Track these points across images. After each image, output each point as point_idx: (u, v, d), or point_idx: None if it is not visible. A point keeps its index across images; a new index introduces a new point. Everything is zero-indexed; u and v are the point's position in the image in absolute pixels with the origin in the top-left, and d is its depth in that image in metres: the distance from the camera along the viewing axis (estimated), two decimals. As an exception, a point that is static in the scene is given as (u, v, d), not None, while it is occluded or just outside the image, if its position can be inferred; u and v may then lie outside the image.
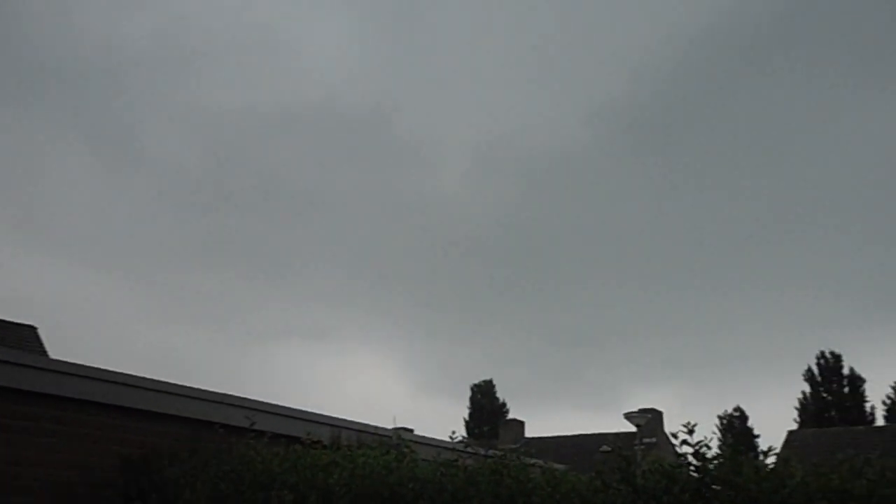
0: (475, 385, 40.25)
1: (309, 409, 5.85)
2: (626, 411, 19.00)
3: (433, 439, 6.42)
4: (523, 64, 41.15)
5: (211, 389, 5.21)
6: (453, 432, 5.18)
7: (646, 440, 18.95)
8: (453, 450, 5.00)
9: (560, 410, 49.41)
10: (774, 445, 4.76)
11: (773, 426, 50.22)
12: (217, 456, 4.56)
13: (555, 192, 43.25)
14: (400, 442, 5.41)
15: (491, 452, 4.84)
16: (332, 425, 5.78)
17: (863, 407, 34.87)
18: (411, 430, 10.05)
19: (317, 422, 5.70)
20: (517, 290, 46.15)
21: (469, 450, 5.09)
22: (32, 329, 17.28)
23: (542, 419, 59.16)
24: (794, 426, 33.76)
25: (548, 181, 42.53)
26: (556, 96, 41.90)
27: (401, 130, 41.80)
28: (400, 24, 39.75)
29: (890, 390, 36.04)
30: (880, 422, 33.80)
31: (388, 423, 7.10)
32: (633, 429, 18.60)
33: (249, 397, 5.49)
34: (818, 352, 36.64)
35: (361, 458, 4.74)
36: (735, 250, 44.63)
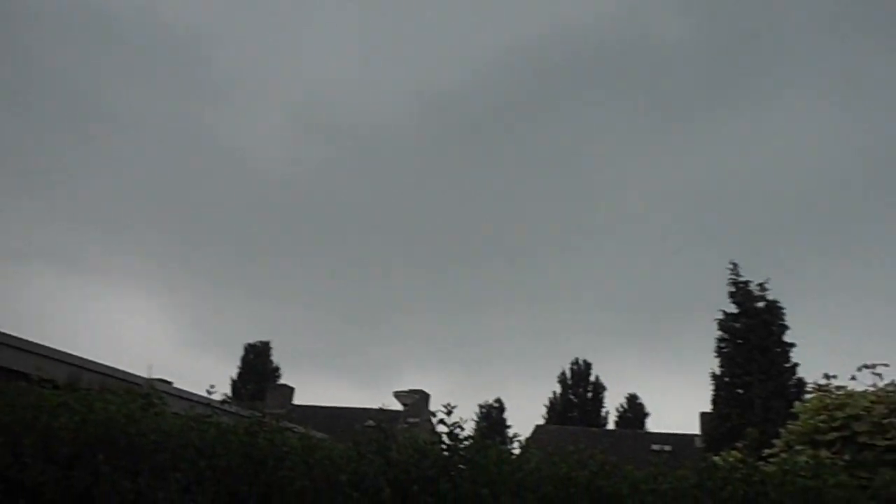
0: (249, 345, 38.55)
1: (44, 343, 5.13)
2: (396, 390, 19.58)
3: (190, 393, 6.02)
4: (365, 35, 40.29)
5: None
6: (212, 387, 4.87)
7: (410, 419, 19.72)
8: (209, 405, 4.71)
9: (335, 381, 49.51)
10: (522, 435, 5.15)
11: (525, 420, 55.11)
12: None
13: (365, 165, 42.56)
14: (150, 391, 4.99)
15: (249, 413, 4.63)
16: (71, 364, 5.14)
17: (600, 411, 39.71)
18: (170, 383, 9.38)
19: (52, 358, 5.02)
20: (308, 254, 44.93)
21: (226, 407, 4.83)
22: None
23: (315, 388, 58.84)
24: (542, 422, 37.45)
25: (361, 152, 41.75)
26: (388, 74, 41.60)
27: (220, 65, 38.65)
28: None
29: (624, 400, 41.52)
30: (611, 426, 38.79)
31: (143, 372, 6.51)
32: (400, 407, 19.24)
33: (-36, 319, 4.66)
34: (573, 358, 41.04)
35: (100, 404, 4.27)
36: (523, 255, 47.94)
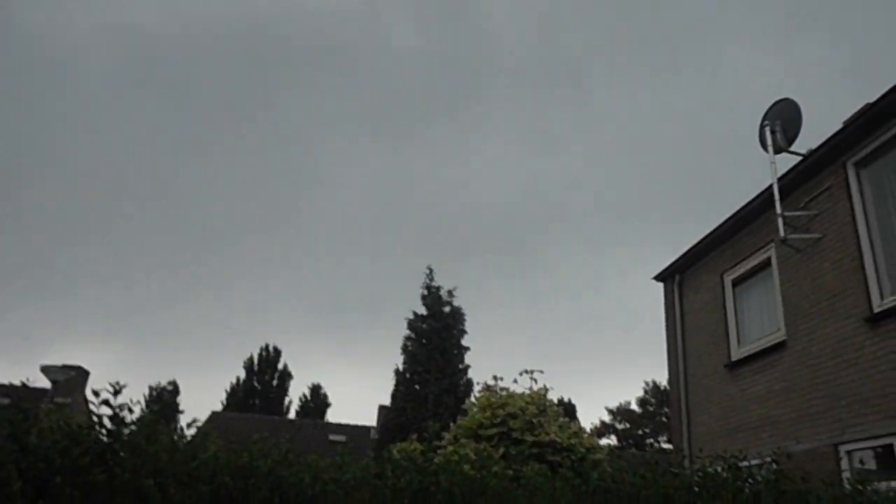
0: None
1: None
2: (44, 363, 16.64)
3: None
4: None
5: None
6: None
7: (60, 399, 17.06)
8: None
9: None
10: (199, 419, 4.66)
11: (201, 405, 52.31)
12: None
13: (40, 87, 35.52)
14: None
15: None
16: None
17: (283, 400, 39.41)
18: None
19: None
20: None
21: None
22: None
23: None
24: (220, 408, 35.82)
25: (35, 71, 34.80)
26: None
27: None
28: None
29: (307, 390, 41.90)
30: (292, 415, 38.77)
31: None
32: (48, 384, 16.50)
33: None
34: (263, 344, 40.16)
35: None
36: (218, 232, 45.42)
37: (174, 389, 38.28)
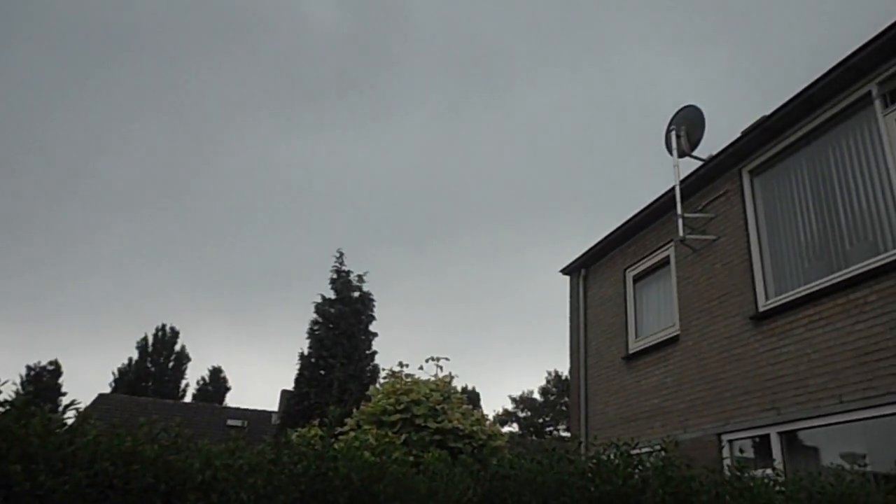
0: None
1: None
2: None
3: None
4: None
5: None
6: None
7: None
8: None
9: None
10: (80, 402, 4.34)
11: (87, 387, 49.45)
12: None
13: None
14: None
15: None
16: None
17: (179, 383, 37.81)
18: None
19: None
20: None
21: None
22: None
23: None
24: (108, 391, 33.95)
25: None
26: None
27: None
28: None
29: (206, 373, 40.44)
30: (189, 399, 37.30)
31: None
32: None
33: None
34: (160, 324, 38.38)
35: None
36: (109, 208, 42.75)
37: (56, 370, 35.89)
